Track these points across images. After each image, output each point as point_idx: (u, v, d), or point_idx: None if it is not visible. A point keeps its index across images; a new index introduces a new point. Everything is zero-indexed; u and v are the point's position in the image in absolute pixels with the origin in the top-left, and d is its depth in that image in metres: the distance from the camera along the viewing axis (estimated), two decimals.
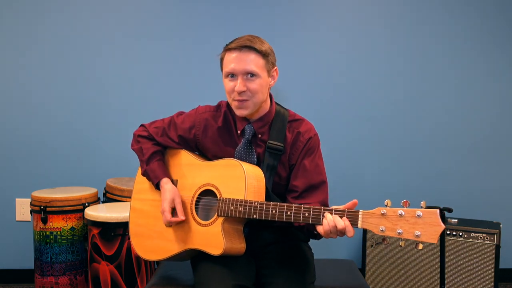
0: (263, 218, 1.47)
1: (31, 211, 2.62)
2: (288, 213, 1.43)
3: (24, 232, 2.90)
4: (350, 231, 1.35)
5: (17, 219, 2.92)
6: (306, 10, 2.94)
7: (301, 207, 1.42)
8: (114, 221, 2.30)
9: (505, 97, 3.01)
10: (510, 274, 3.06)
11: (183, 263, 1.85)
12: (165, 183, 1.68)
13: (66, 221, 2.55)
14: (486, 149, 3.02)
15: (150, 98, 2.92)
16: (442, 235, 2.10)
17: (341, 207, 1.39)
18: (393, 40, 2.97)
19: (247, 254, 1.61)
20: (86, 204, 2.56)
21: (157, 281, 1.74)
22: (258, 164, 1.66)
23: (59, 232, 2.54)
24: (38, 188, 2.75)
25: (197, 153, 1.78)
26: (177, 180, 1.73)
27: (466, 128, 3.01)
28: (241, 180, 1.53)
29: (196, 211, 1.64)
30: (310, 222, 1.41)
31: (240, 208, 1.50)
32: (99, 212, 2.35)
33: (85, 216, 2.38)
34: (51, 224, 2.53)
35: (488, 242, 2.49)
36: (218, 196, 1.57)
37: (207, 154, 1.75)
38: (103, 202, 2.73)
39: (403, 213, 1.27)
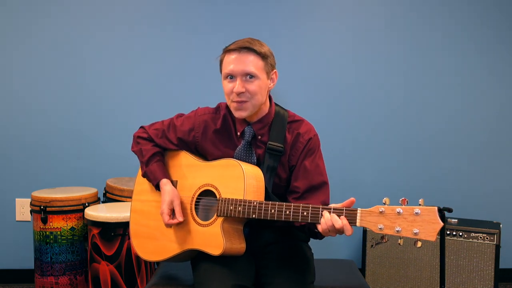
0: (262, 217, 1.47)
1: (31, 211, 2.62)
2: (287, 212, 1.43)
3: (24, 232, 2.90)
4: (348, 230, 1.35)
5: (17, 219, 2.92)
6: (307, 13, 2.94)
7: (299, 206, 1.42)
8: (114, 221, 2.30)
9: (505, 97, 3.01)
10: (510, 274, 3.06)
11: (183, 263, 1.85)
12: (165, 184, 1.68)
13: (66, 221, 2.55)
14: (486, 149, 3.02)
15: (150, 98, 2.92)
16: (442, 235, 2.10)
17: (339, 205, 1.39)
18: (393, 41, 2.97)
19: (247, 254, 1.61)
20: (86, 204, 2.57)
21: (157, 281, 1.74)
22: (258, 165, 1.65)
23: (59, 232, 2.54)
24: (38, 188, 2.75)
25: (196, 154, 1.78)
26: (177, 181, 1.73)
27: (466, 128, 3.01)
28: (240, 180, 1.53)
29: (196, 212, 1.64)
30: (309, 221, 1.41)
31: (239, 208, 1.50)
32: (99, 212, 2.35)
33: (85, 216, 2.38)
34: (51, 224, 2.53)
35: (488, 242, 2.49)
36: (218, 196, 1.57)
37: (206, 156, 1.74)
38: (103, 202, 2.73)
39: (401, 211, 1.27)
